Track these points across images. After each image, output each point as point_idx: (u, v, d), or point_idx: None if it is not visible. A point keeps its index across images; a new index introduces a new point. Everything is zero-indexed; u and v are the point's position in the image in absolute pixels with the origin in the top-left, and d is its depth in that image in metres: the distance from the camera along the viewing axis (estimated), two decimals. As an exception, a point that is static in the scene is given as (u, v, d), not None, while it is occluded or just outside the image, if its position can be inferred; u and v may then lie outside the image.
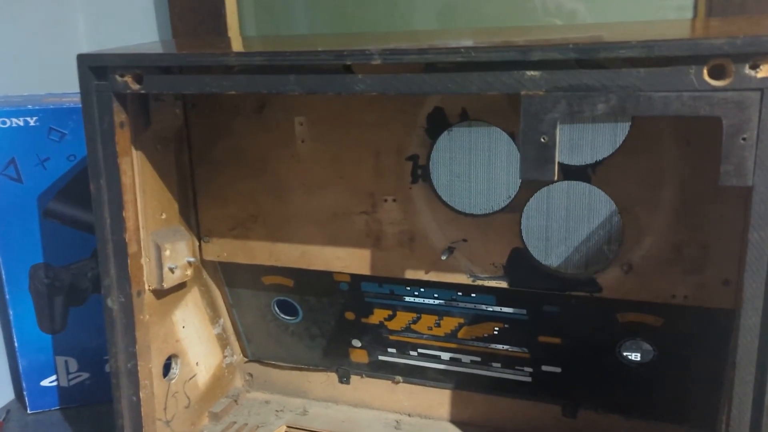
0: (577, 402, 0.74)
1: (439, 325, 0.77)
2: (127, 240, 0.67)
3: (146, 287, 0.71)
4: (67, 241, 0.86)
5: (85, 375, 0.91)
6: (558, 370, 0.74)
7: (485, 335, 0.75)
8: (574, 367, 0.73)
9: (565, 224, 0.67)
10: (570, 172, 0.65)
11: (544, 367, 0.74)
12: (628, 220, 0.65)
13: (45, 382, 0.90)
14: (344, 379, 0.83)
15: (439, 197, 0.70)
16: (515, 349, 0.75)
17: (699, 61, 0.48)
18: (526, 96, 0.52)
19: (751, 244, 0.49)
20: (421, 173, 0.71)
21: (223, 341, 0.85)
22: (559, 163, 0.54)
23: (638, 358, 0.70)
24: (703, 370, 0.67)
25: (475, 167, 0.68)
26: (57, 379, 0.90)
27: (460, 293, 0.74)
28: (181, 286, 0.77)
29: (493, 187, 0.68)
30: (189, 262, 0.75)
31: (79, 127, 0.83)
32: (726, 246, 0.62)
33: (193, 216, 0.80)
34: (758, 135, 0.47)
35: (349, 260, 0.75)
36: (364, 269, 0.75)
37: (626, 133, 0.63)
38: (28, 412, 0.90)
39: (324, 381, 0.84)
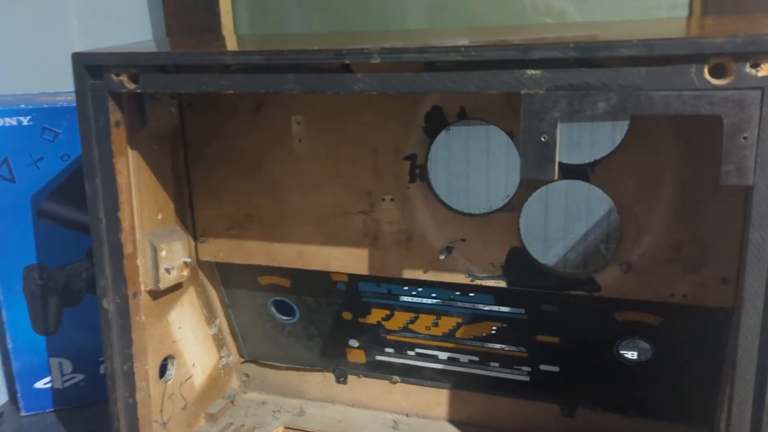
0: (575, 401, 0.74)
1: (437, 325, 0.77)
2: (122, 240, 0.67)
3: (142, 288, 0.70)
4: (61, 242, 0.85)
5: (79, 377, 0.90)
6: (556, 369, 0.74)
7: (483, 335, 0.75)
8: (572, 366, 0.73)
9: (563, 223, 0.66)
10: (569, 171, 0.65)
11: (543, 367, 0.74)
12: (627, 219, 0.65)
13: (39, 384, 0.89)
14: (341, 379, 0.83)
15: (437, 196, 0.70)
16: (513, 348, 0.75)
17: (700, 59, 0.47)
18: (527, 95, 0.52)
19: (751, 244, 0.49)
20: (419, 172, 0.70)
21: (219, 342, 0.85)
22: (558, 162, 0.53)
23: (636, 357, 0.70)
24: (701, 369, 0.67)
25: (474, 166, 0.68)
26: (51, 381, 0.89)
27: (458, 293, 0.74)
28: (177, 287, 0.77)
29: (492, 186, 0.68)
30: (185, 263, 0.75)
31: (73, 126, 0.82)
32: (724, 244, 0.62)
33: (189, 216, 0.79)
34: (759, 134, 0.47)
35: (346, 260, 0.75)
36: (362, 269, 0.74)
37: (625, 132, 0.63)
38: (22, 414, 0.89)
39: (321, 381, 0.84)
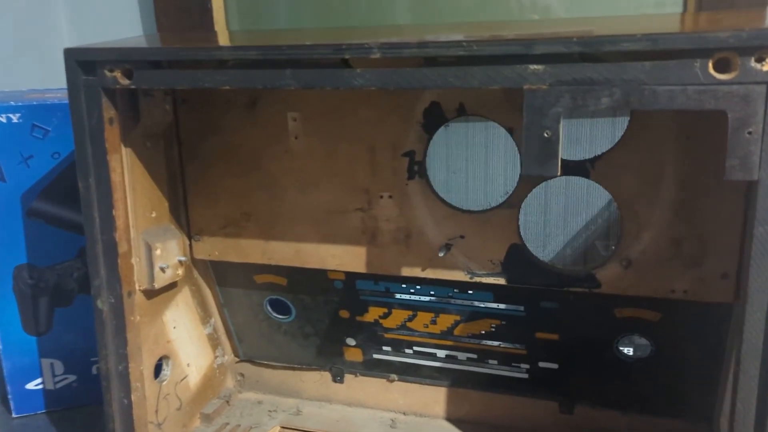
0: (574, 398, 0.73)
1: (435, 323, 0.76)
2: (117, 239, 0.66)
3: (137, 287, 0.69)
4: (51, 241, 0.84)
5: (71, 377, 0.89)
6: (555, 366, 0.73)
7: (482, 332, 0.75)
8: (571, 363, 0.73)
9: (563, 220, 0.66)
10: (568, 167, 0.65)
11: (541, 364, 0.74)
12: (627, 215, 0.64)
13: (30, 385, 0.88)
14: (338, 378, 0.82)
15: (435, 193, 0.69)
16: (512, 345, 0.74)
17: (704, 54, 0.47)
18: (529, 90, 0.51)
19: (756, 239, 0.49)
20: (417, 169, 0.70)
21: (214, 341, 0.84)
22: (558, 158, 0.53)
23: (635, 353, 0.70)
24: (701, 365, 0.67)
25: (473, 163, 0.67)
26: (43, 382, 0.88)
27: (456, 290, 0.73)
28: (171, 286, 0.76)
29: (491, 182, 0.67)
30: (180, 261, 0.74)
31: (64, 123, 0.81)
32: (724, 240, 0.62)
33: (184, 214, 0.78)
34: (764, 129, 0.47)
35: (344, 258, 0.74)
36: (360, 267, 0.74)
37: (625, 127, 0.62)
38: (13, 416, 0.88)
39: (317, 380, 0.83)
